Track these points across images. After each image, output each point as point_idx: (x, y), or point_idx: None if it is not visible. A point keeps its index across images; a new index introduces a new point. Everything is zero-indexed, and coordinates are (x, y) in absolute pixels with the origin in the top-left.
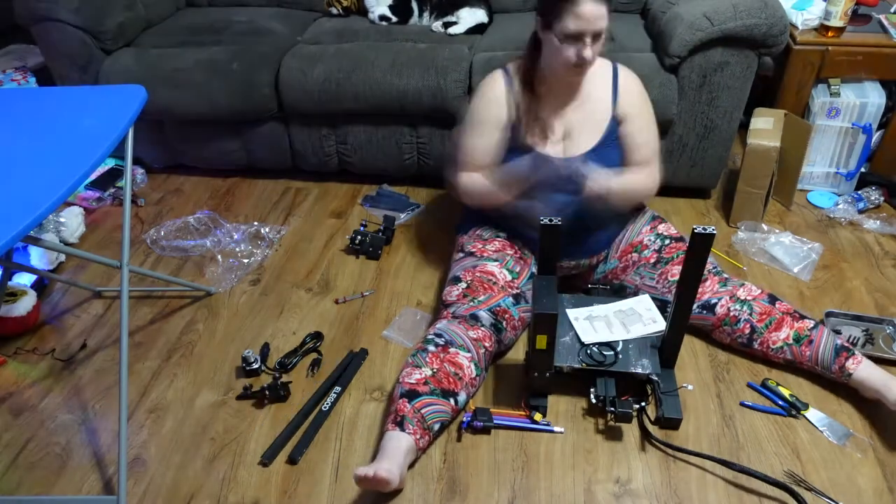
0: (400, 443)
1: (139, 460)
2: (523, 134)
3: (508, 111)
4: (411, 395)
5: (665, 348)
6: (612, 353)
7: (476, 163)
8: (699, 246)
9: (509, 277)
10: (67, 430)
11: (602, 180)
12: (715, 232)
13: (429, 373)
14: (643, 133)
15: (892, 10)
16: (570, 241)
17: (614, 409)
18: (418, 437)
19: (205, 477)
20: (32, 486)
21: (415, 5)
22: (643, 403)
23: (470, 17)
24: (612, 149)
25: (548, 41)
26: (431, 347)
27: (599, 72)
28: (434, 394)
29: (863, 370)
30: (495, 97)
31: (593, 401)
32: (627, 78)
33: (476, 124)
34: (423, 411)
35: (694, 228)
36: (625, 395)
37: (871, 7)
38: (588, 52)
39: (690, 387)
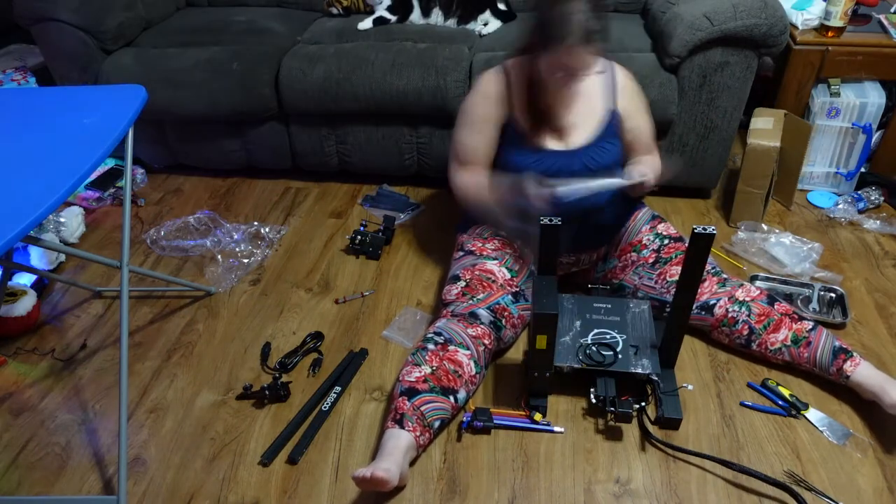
0: (399, 441)
1: (139, 460)
2: (523, 129)
3: (504, 108)
4: (411, 392)
5: (665, 348)
6: (611, 353)
7: (471, 159)
8: (699, 246)
9: (508, 276)
10: (67, 430)
11: (640, 172)
12: (715, 232)
13: (428, 371)
14: (645, 126)
15: (892, 10)
16: (571, 235)
17: (614, 409)
18: (418, 434)
19: (205, 477)
20: (32, 486)
21: (415, 2)
22: (643, 403)
23: (494, 19)
24: (610, 142)
25: (541, 55)
26: (431, 346)
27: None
28: (434, 391)
29: (860, 373)
30: (491, 94)
31: (593, 401)
32: (625, 76)
33: (471, 121)
34: (422, 409)
35: (694, 228)
36: (625, 396)
37: (871, 7)
38: (575, 84)
39: (690, 387)
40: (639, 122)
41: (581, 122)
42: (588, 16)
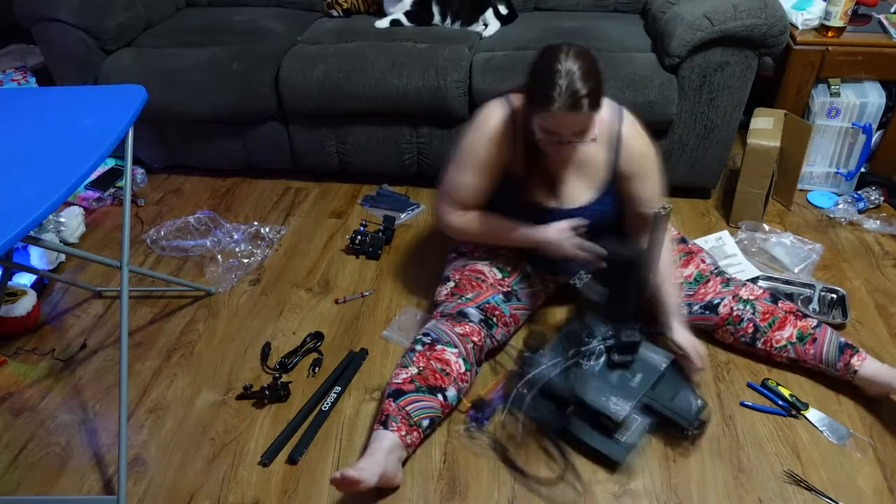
0: (382, 441)
1: (139, 460)
2: (519, 177)
3: (510, 153)
4: (397, 394)
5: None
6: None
7: (467, 203)
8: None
9: (499, 276)
10: (67, 430)
11: (682, 328)
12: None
13: (415, 371)
14: (650, 190)
15: (892, 10)
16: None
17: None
18: (403, 433)
19: (205, 477)
20: (32, 486)
21: (436, 10)
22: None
23: (495, 20)
24: (607, 202)
25: (532, 115)
26: (418, 347)
27: (601, 118)
28: (420, 391)
29: (868, 367)
30: (497, 136)
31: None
32: (633, 131)
33: (473, 163)
34: (407, 408)
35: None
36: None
37: (871, 7)
38: (566, 153)
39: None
40: (644, 187)
41: (579, 182)
42: (577, 79)
